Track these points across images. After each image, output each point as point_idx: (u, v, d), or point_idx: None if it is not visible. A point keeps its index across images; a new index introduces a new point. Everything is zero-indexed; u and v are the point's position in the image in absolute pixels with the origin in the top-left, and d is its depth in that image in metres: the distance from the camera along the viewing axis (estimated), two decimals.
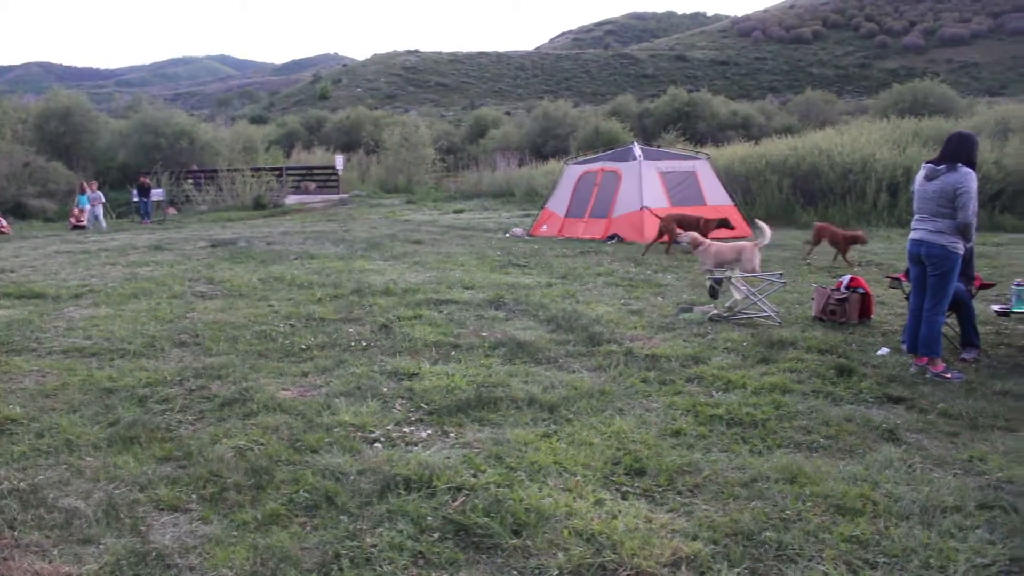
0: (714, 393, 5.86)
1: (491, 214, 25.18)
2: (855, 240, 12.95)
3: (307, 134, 53.85)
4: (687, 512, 3.93)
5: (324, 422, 5.17)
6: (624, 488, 4.21)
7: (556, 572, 3.40)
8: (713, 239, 11.39)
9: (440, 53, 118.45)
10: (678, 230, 12.93)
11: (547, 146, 41.52)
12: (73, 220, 24.08)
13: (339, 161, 35.23)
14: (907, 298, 7.23)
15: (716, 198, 16.87)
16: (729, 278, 8.79)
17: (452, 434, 5.02)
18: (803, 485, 4.19)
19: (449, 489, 4.12)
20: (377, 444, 4.82)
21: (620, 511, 3.90)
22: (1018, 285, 7.52)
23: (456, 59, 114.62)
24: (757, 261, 10.11)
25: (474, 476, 4.29)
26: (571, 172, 18.65)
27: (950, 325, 7.10)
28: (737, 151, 25.20)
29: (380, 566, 3.44)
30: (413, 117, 56.44)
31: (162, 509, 4.02)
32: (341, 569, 3.42)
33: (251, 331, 7.79)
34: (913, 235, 6.53)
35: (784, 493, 4.10)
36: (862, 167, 19.57)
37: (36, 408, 5.51)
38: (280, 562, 3.47)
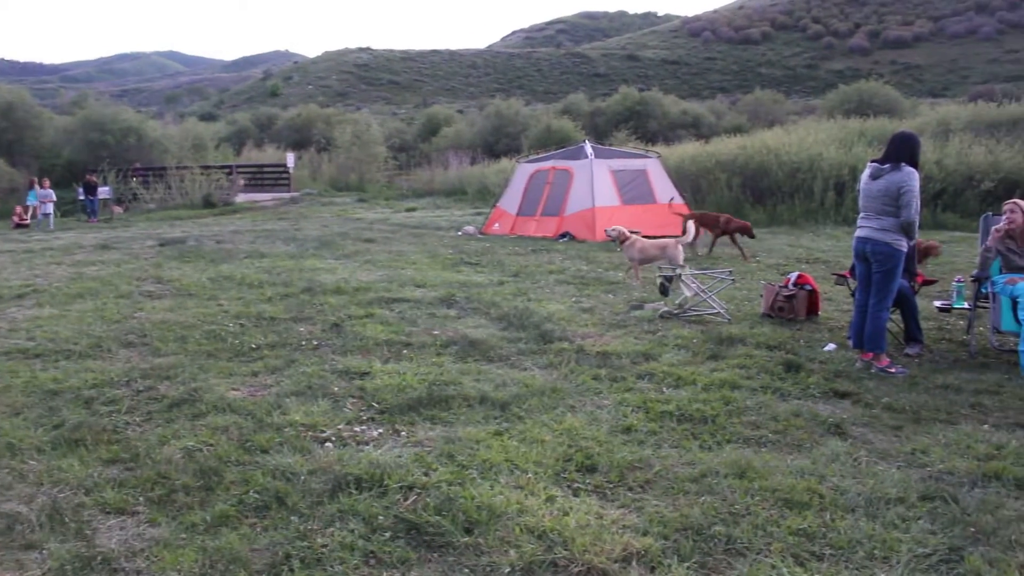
0: (664, 390, 5.91)
1: (443, 212, 25.17)
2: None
3: (258, 132, 53.02)
4: (638, 508, 3.96)
5: (274, 422, 5.12)
6: (575, 485, 4.23)
7: (508, 570, 3.41)
8: (645, 237, 11.40)
9: (392, 51, 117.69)
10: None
11: (499, 144, 41.43)
12: (16, 218, 23.41)
13: (290, 159, 34.83)
14: (853, 295, 7.37)
15: (666, 197, 16.99)
16: (679, 276, 8.87)
17: (403, 433, 5.00)
18: (752, 480, 4.24)
19: (400, 488, 4.10)
20: (328, 444, 4.78)
21: (571, 508, 3.92)
22: (959, 282, 7.71)
23: (408, 57, 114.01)
24: (680, 257, 10.23)
25: (425, 475, 4.28)
26: (523, 170, 18.69)
27: (895, 321, 7.24)
28: (687, 150, 25.49)
29: (331, 566, 3.42)
30: (365, 115, 56.22)
31: (108, 512, 3.93)
32: (292, 570, 3.39)
33: (200, 331, 7.68)
34: (859, 233, 6.65)
35: (733, 488, 4.15)
36: (809, 166, 19.92)
37: None
38: (230, 564, 3.43)
